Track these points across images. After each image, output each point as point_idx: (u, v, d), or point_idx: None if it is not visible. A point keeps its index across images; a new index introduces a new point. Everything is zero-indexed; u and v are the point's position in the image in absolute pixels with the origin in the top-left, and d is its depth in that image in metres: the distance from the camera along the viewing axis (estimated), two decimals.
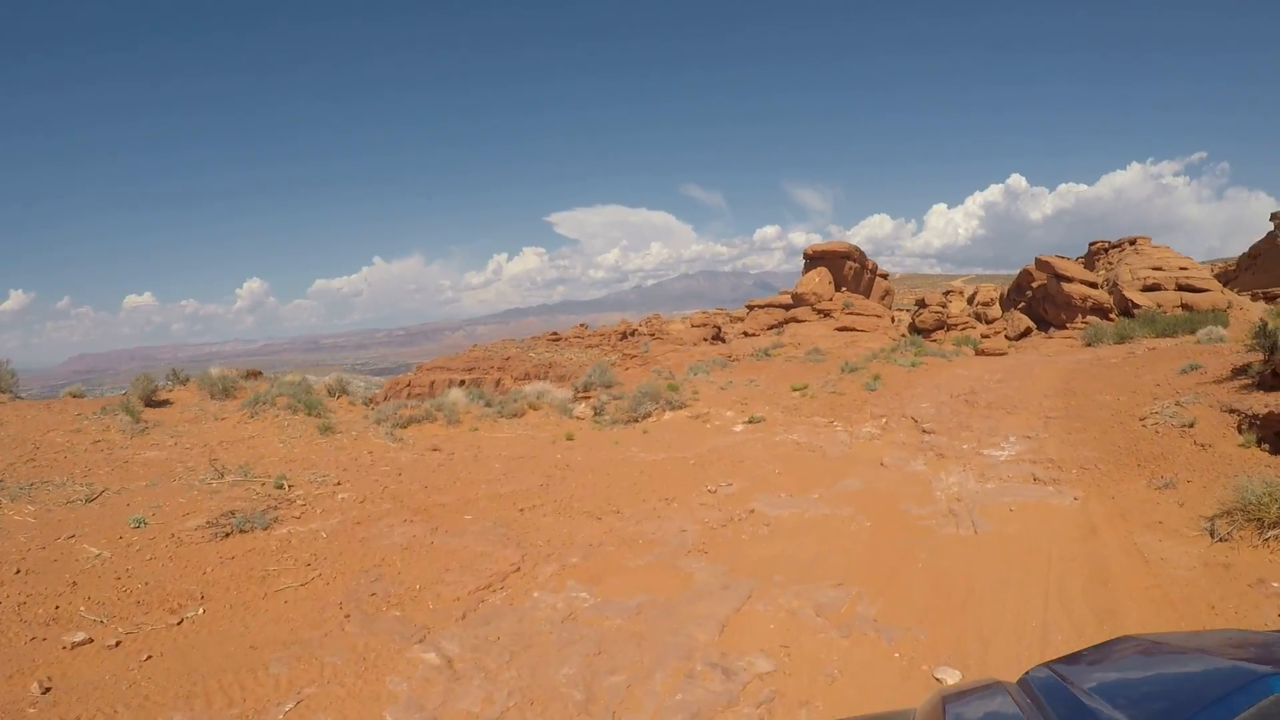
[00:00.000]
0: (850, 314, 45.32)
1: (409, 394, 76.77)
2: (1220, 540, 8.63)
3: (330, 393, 22.01)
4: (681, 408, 22.82)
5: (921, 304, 71.90)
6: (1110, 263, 61.30)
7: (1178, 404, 14.41)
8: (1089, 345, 40.73)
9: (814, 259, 49.33)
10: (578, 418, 23.18)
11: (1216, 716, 1.56)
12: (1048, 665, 2.34)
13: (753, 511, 11.34)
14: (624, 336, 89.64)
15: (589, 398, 27.07)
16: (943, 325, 61.50)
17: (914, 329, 61.82)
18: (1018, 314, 54.31)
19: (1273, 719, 1.51)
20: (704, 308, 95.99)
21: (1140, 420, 14.04)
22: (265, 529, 10.03)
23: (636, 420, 21.80)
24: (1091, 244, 71.87)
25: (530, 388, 25.69)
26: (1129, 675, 2.32)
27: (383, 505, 11.57)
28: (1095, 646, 2.60)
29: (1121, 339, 41.31)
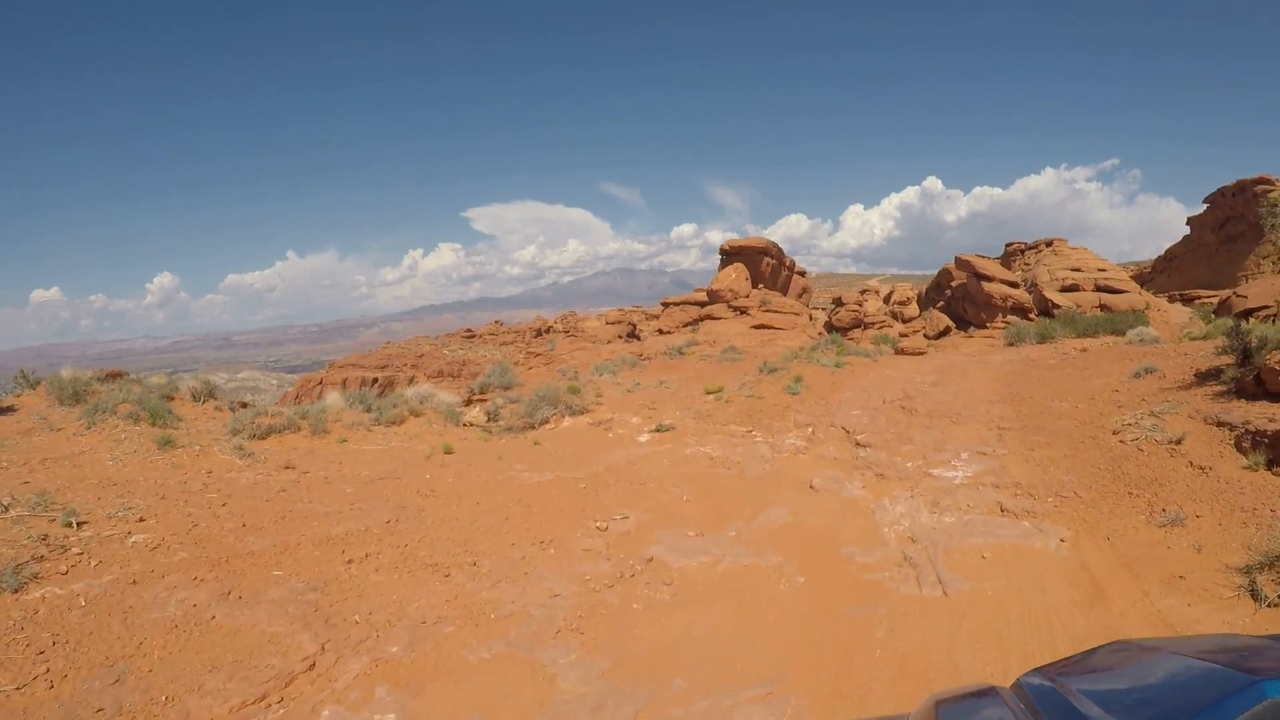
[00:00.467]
0: (768, 311, 43.18)
1: (320, 393, 72.82)
2: (1270, 606, 6.44)
3: (195, 397, 19.11)
4: (583, 413, 20.07)
5: (838, 303, 70.57)
6: (1027, 264, 60.89)
7: (1153, 414, 12.22)
8: (1011, 345, 39.40)
9: (730, 255, 47.07)
10: (470, 424, 20.31)
11: None
12: (1041, 670, 2.37)
13: (651, 561, 8.65)
14: (539, 334, 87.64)
15: (485, 400, 24.15)
16: (860, 324, 60.23)
17: (831, 327, 60.41)
18: (936, 313, 53.07)
19: None
20: (620, 305, 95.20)
21: (1114, 434, 11.78)
22: (15, 591, 7.20)
23: (533, 427, 19.04)
24: (1008, 245, 71.65)
25: (413, 390, 22.55)
26: (1123, 680, 2.29)
27: (178, 554, 8.51)
28: (1089, 651, 2.57)
29: (1043, 339, 40.20)
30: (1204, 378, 14.33)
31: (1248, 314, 29.13)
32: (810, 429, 15.25)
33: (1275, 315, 28.33)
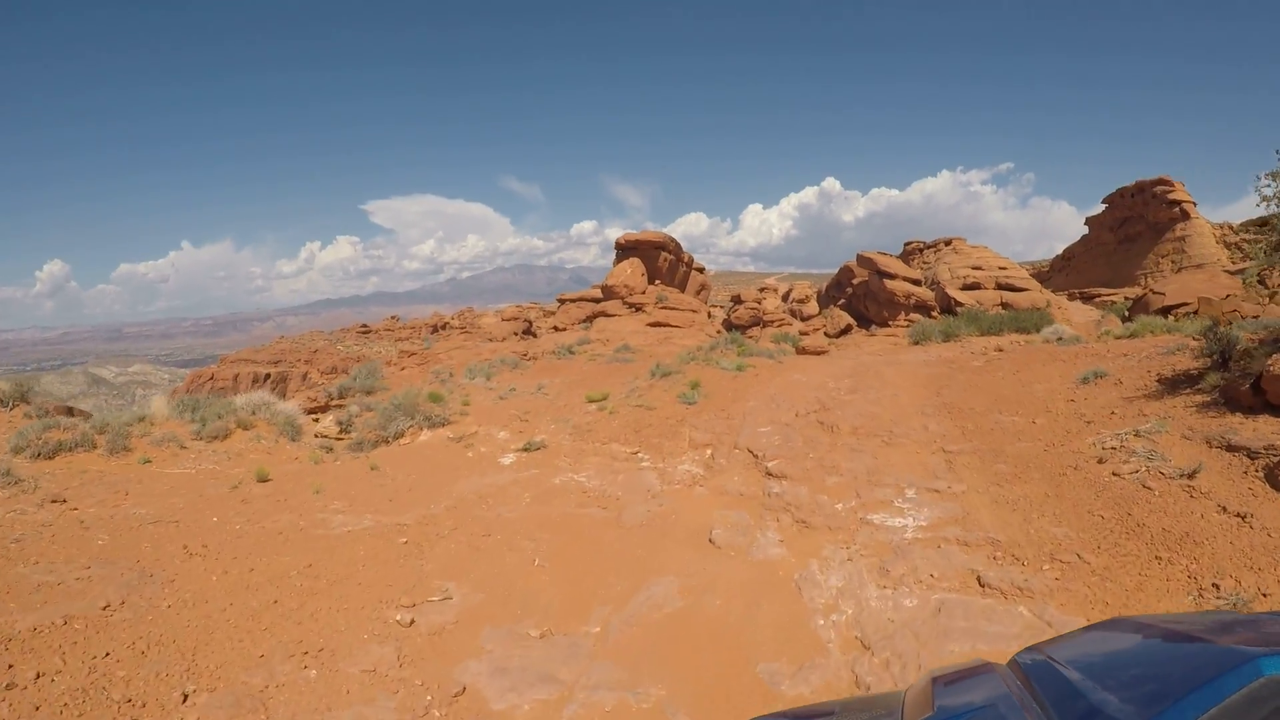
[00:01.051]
0: (664, 308, 40.31)
1: (211, 388, 69.51)
2: None
3: (3, 401, 16.06)
4: (443, 424, 16.70)
5: (737, 300, 68.46)
6: (926, 262, 59.86)
7: (1138, 434, 9.59)
8: (916, 343, 37.53)
9: (626, 250, 44.05)
10: (321, 435, 16.83)
11: (1207, 699, 1.60)
12: (1038, 647, 2.41)
13: (459, 697, 5.39)
14: (435, 330, 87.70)
15: (343, 406, 20.48)
16: (759, 322, 58.18)
17: (730, 325, 58.17)
18: (838, 311, 51.22)
19: (1263, 702, 1.57)
20: (519, 301, 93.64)
21: (1099, 462, 9.04)
22: None
23: (386, 441, 15.70)
24: (906, 244, 70.82)
25: (243, 399, 18.63)
26: (1119, 657, 2.29)
27: None
28: (1086, 628, 2.68)
29: (948, 337, 38.57)
30: (1173, 385, 11.93)
31: (1166, 311, 27.61)
32: (709, 451, 12.21)
33: (1196, 312, 26.85)
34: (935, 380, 17.29)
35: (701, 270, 54.15)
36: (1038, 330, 43.92)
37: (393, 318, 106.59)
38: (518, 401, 18.96)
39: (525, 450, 13.91)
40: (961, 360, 21.31)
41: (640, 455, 12.57)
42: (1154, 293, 28.38)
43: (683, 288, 48.27)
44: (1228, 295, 26.70)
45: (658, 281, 44.04)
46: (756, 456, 11.38)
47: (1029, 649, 2.40)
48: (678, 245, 46.53)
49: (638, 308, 40.29)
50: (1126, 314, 30.65)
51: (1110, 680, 1.93)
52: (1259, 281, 31.73)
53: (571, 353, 33.57)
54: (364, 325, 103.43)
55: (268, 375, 77.93)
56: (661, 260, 43.99)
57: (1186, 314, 26.25)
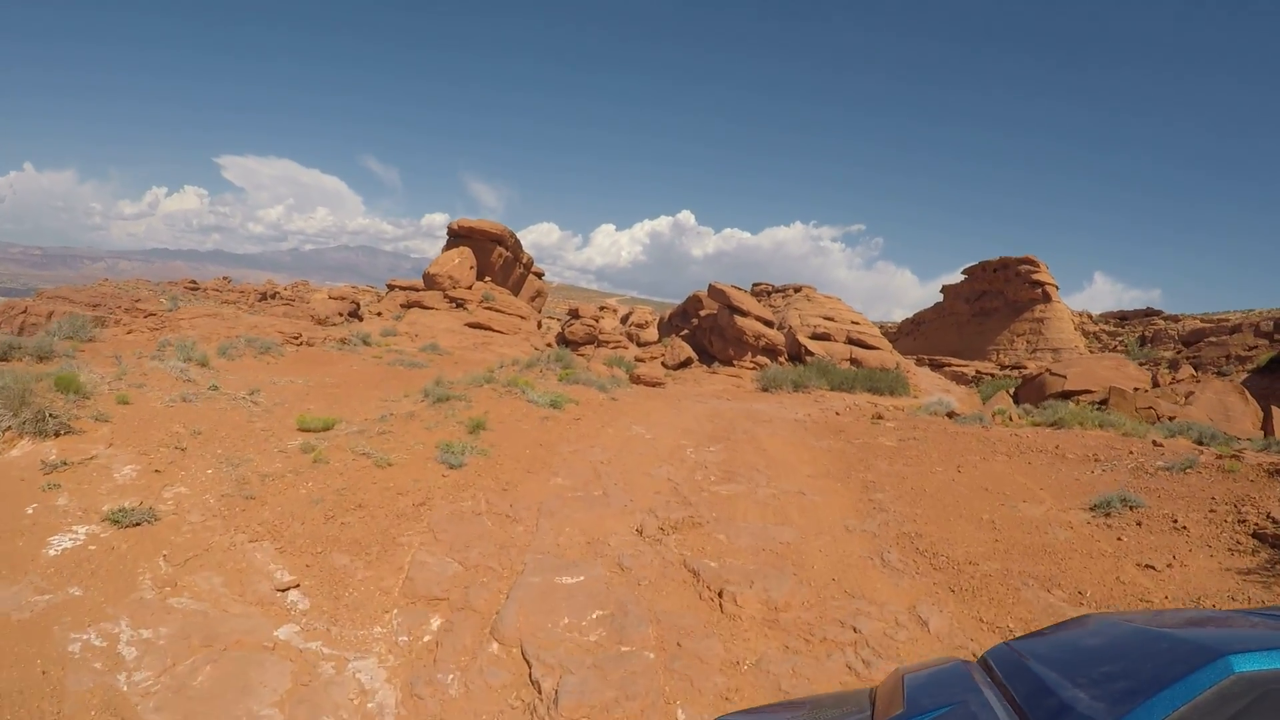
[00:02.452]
0: (489, 309, 33.19)
1: (24, 324, 57.94)
2: None
3: None
4: (63, 433, 9.14)
5: (574, 314, 61.97)
6: (774, 306, 55.42)
7: None
8: (765, 390, 32.23)
9: (459, 237, 36.64)
10: None
11: (1178, 696, 1.58)
12: (1008, 643, 2.33)
13: None
14: (264, 298, 76.44)
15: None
16: (594, 340, 52.04)
17: (563, 340, 51.91)
18: (679, 341, 45.51)
19: (1233, 700, 1.55)
20: (357, 283, 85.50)
21: None
22: None
23: None
24: (755, 285, 66.61)
25: None
26: (1091, 654, 2.20)
27: None
28: (1058, 624, 2.58)
29: (797, 386, 33.62)
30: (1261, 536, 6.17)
31: (1066, 396, 22.98)
32: (436, 622, 5.33)
33: (1105, 402, 22.38)
34: (845, 464, 11.42)
35: (540, 275, 47.30)
36: (891, 393, 39.61)
37: (224, 278, 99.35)
38: (206, 409, 11.51)
39: (112, 521, 6.73)
40: (851, 429, 15.69)
41: (293, 601, 5.57)
42: (1052, 374, 23.85)
43: (516, 290, 41.28)
44: (1137, 389, 22.42)
45: (488, 279, 36.85)
46: (536, 687, 4.57)
47: (1000, 645, 2.30)
48: (517, 243, 39.47)
49: (459, 303, 32.99)
50: (1014, 392, 26.03)
51: (1081, 677, 1.85)
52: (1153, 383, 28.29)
53: (367, 344, 26.07)
54: (192, 281, 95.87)
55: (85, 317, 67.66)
56: (496, 255, 36.79)
57: (1092, 403, 21.65)
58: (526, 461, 9.39)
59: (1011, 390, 26.66)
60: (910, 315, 70.29)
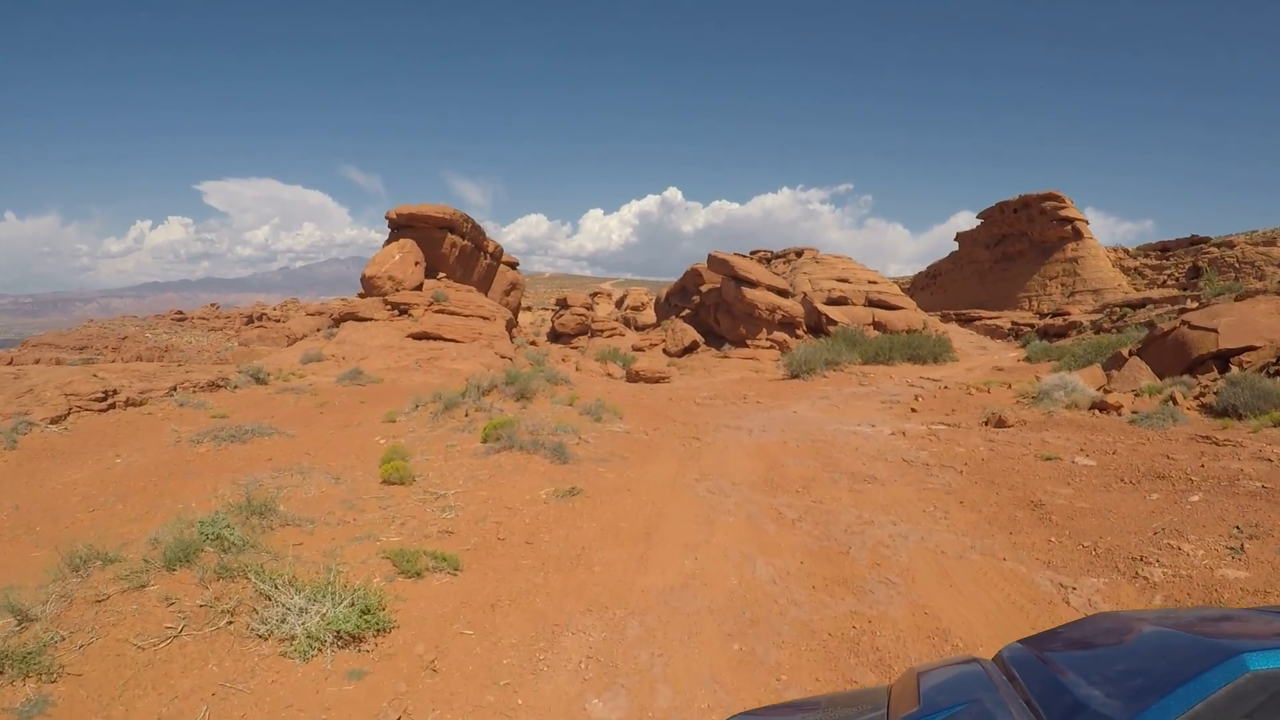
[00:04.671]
0: (441, 312, 25.70)
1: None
2: None
3: None
4: None
5: (563, 304, 54.51)
6: (778, 273, 47.90)
7: None
8: (795, 376, 24.81)
9: (400, 228, 29.06)
10: None
11: (1192, 694, 1.52)
12: (1023, 642, 2.26)
13: None
14: (250, 321, 78.39)
15: None
16: (587, 330, 44.85)
17: (555, 335, 44.79)
18: (680, 323, 38.05)
19: (1248, 697, 1.48)
20: (349, 295, 79.12)
21: None
22: None
23: None
24: (753, 252, 59.27)
25: None
26: (1105, 652, 2.14)
27: None
28: (1071, 624, 2.45)
29: (830, 365, 26.36)
30: None
31: (1222, 357, 15.63)
32: None
33: (1273, 365, 14.97)
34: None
35: (514, 266, 39.66)
36: (935, 360, 32.14)
37: (212, 305, 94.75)
38: None
39: None
40: (1000, 468, 8.36)
41: None
42: (1192, 327, 16.47)
43: (485, 285, 33.77)
44: None
45: (442, 274, 29.33)
46: None
47: (1015, 644, 2.20)
48: (475, 228, 31.79)
49: (402, 309, 25.54)
50: (1129, 353, 18.55)
51: (1096, 675, 1.78)
52: None
53: (261, 380, 18.88)
54: (179, 312, 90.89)
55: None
56: (448, 246, 29.17)
57: (1263, 366, 14.35)
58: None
59: (1128, 350, 19.12)
60: (924, 268, 62.68)
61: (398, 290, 26.27)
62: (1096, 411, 13.40)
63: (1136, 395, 15.10)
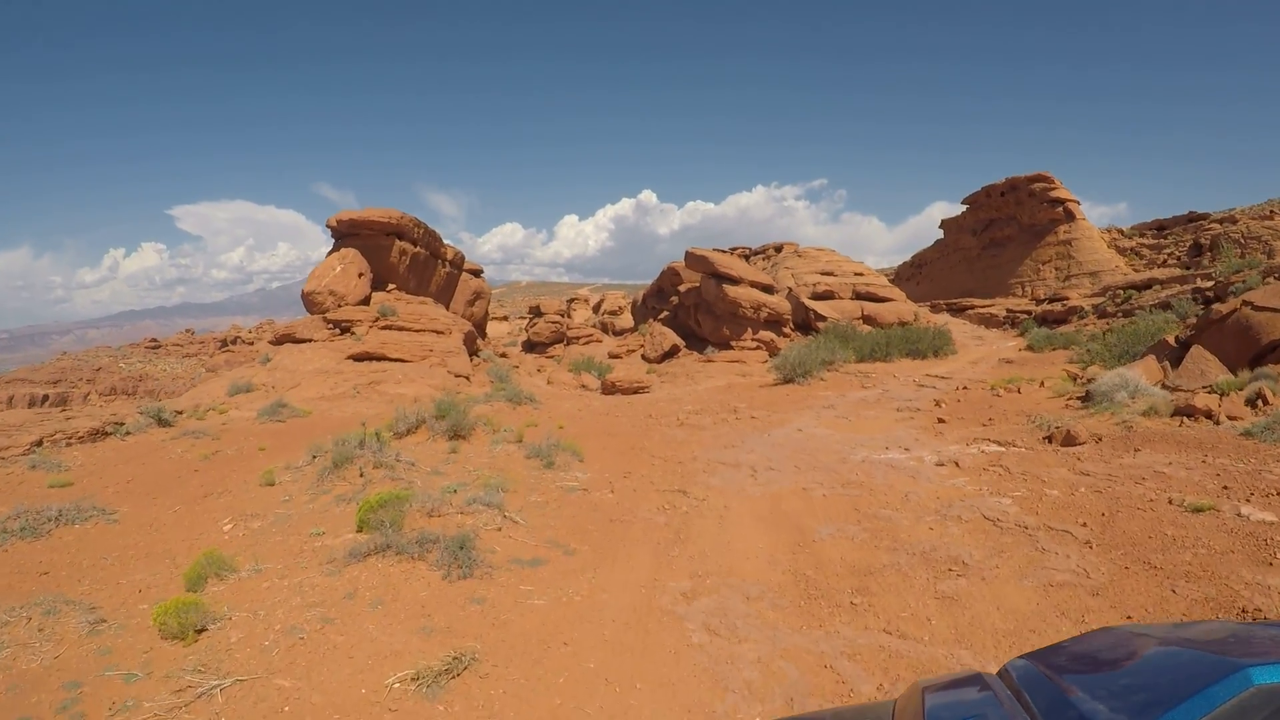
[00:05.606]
0: (388, 328, 22.47)
1: None
2: None
3: None
4: None
5: (537, 312, 51.42)
6: (759, 269, 44.93)
7: None
8: (788, 380, 21.79)
9: (343, 236, 25.75)
10: None
11: (1197, 709, 1.48)
12: (1028, 656, 2.20)
13: None
14: (224, 344, 78.74)
15: None
16: (562, 338, 41.99)
17: (530, 345, 41.87)
18: (659, 326, 34.98)
19: (1253, 712, 1.45)
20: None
21: None
22: None
23: None
24: (732, 249, 56.35)
25: None
26: (1110, 667, 2.07)
27: None
28: (1076, 638, 2.37)
29: (825, 365, 23.42)
30: None
31: None
32: None
33: None
34: None
35: (478, 273, 36.36)
36: (936, 355, 29.24)
37: (187, 331, 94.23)
38: None
39: None
40: (1146, 542, 4.90)
41: None
42: (1256, 308, 13.52)
43: (444, 297, 30.54)
44: None
45: (392, 286, 26.06)
46: None
47: (1019, 658, 2.14)
48: (429, 234, 28.50)
49: (344, 328, 22.32)
50: (1178, 339, 15.74)
51: (1100, 689, 1.73)
52: None
53: (164, 422, 15.75)
54: (153, 340, 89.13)
55: (45, 397, 63.99)
56: (396, 254, 25.89)
57: None
58: None
59: (1174, 337, 16.23)
60: (904, 260, 59.93)
61: (339, 306, 23.04)
62: (1184, 419, 10.44)
63: (1211, 393, 12.20)
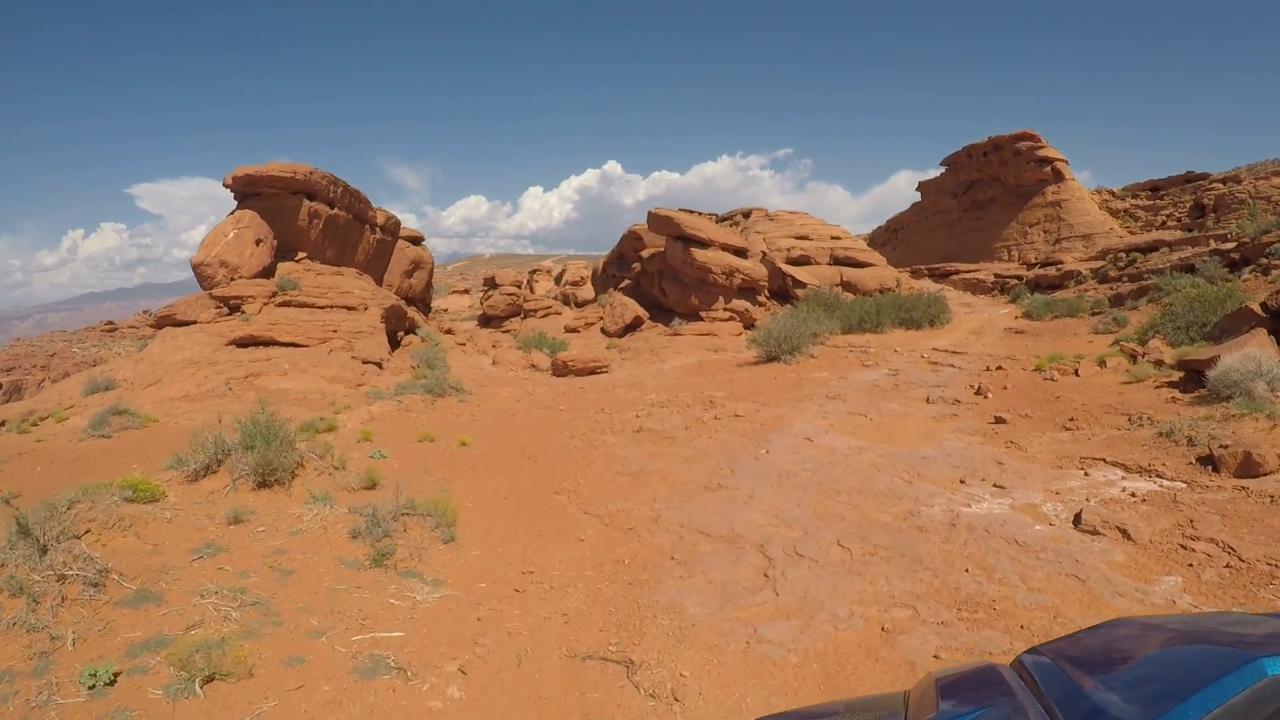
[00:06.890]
0: (286, 304, 18.16)
1: None
2: None
3: None
4: None
5: (491, 284, 46.99)
6: None
7: None
8: (772, 358, 17.90)
9: (243, 197, 21.22)
10: None
11: (1211, 699, 1.44)
12: (1041, 647, 2.14)
13: None
14: (161, 324, 65.55)
15: None
16: (519, 311, 38.01)
17: (486, 319, 37.92)
18: (620, 297, 30.99)
19: (1267, 702, 1.41)
20: None
21: None
22: None
23: None
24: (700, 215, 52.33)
25: None
26: (1123, 658, 2.02)
27: None
28: (1090, 629, 2.30)
29: (810, 337, 19.65)
30: None
31: None
32: None
33: None
34: None
35: (418, 241, 31.86)
36: (931, 324, 25.47)
37: (145, 312, 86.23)
38: None
39: None
40: None
41: None
42: None
43: (375, 268, 26.15)
44: None
45: (302, 255, 21.65)
46: None
47: (1033, 649, 2.06)
48: (351, 194, 23.98)
49: (233, 305, 18.03)
50: (1274, 304, 12.04)
51: (1114, 680, 1.68)
52: None
53: None
54: (109, 323, 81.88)
55: None
56: (305, 216, 21.39)
57: None
58: None
59: (1259, 304, 12.53)
60: (876, 226, 56.21)
61: (228, 281, 18.68)
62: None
63: None
